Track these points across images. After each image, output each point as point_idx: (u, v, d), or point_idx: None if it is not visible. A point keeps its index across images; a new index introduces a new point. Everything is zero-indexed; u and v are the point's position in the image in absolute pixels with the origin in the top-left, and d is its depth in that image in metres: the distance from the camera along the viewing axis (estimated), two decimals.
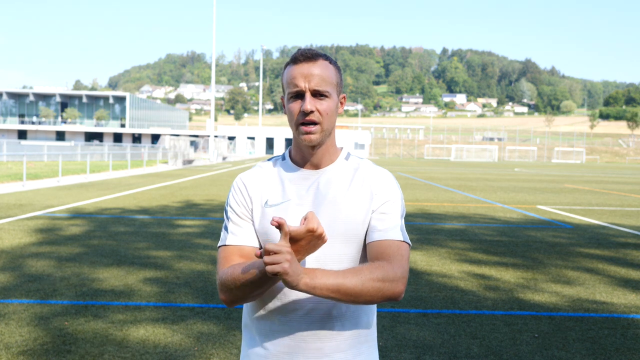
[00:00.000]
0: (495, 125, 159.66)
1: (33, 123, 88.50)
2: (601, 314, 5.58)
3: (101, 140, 79.40)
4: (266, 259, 1.41)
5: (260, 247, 1.72)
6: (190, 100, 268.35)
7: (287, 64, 1.69)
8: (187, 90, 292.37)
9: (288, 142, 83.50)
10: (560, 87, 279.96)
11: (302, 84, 1.63)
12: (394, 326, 5.05)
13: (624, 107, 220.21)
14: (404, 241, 1.64)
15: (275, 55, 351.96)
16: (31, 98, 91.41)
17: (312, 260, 1.62)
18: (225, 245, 1.70)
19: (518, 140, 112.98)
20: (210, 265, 7.32)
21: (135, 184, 20.63)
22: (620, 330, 5.11)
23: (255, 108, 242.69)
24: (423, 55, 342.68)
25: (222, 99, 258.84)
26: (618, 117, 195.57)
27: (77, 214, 11.97)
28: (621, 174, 41.96)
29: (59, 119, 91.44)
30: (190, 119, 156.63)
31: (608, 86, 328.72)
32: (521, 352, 4.50)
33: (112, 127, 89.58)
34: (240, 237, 1.69)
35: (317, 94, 1.64)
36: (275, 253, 1.41)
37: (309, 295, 1.63)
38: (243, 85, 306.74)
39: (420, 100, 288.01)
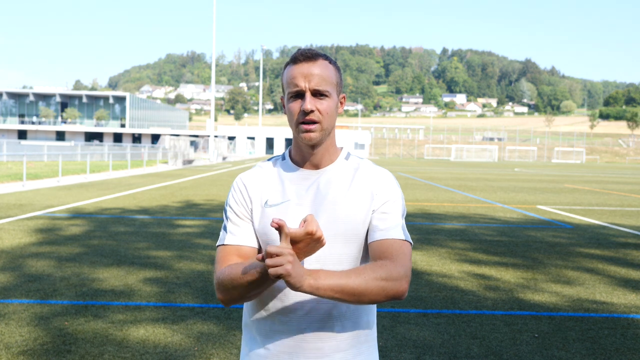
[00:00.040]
0: (495, 125, 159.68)
1: (33, 123, 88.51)
2: (601, 314, 5.58)
3: (101, 140, 79.40)
4: (268, 261, 1.40)
5: (259, 247, 1.72)
6: (190, 100, 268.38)
7: (287, 64, 1.69)
8: (187, 90, 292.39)
9: (288, 142, 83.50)
10: (560, 87, 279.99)
11: (302, 84, 1.63)
12: (394, 326, 5.05)
13: (624, 107, 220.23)
14: (405, 240, 1.64)
15: (275, 55, 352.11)
16: (31, 98, 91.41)
17: (313, 261, 1.62)
18: (223, 244, 1.70)
19: (518, 140, 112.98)
20: (210, 266, 7.33)
21: (135, 184, 20.63)
22: (620, 330, 5.11)
23: (255, 108, 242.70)
24: (423, 55, 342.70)
25: (222, 99, 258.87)
26: (618, 117, 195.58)
27: (77, 214, 11.98)
28: (621, 174, 41.96)
29: (59, 119, 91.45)
30: (190, 119, 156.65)
31: (608, 86, 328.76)
32: (521, 352, 4.50)
33: (112, 127, 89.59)
34: (239, 236, 1.69)
35: (317, 94, 1.64)
36: (277, 255, 1.40)
37: (309, 295, 1.63)
38: (243, 85, 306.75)
39: (420, 100, 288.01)
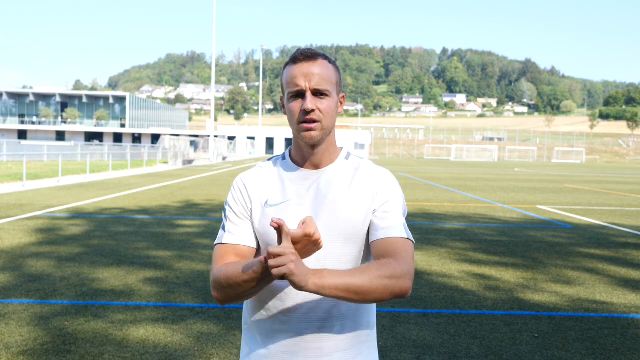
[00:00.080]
0: (495, 125, 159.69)
1: (33, 123, 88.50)
2: (601, 314, 5.58)
3: (101, 140, 79.41)
4: (271, 262, 1.40)
5: (258, 247, 1.72)
6: (190, 100, 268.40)
7: (287, 64, 1.69)
8: (187, 90, 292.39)
9: (288, 142, 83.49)
10: (560, 87, 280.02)
11: (303, 83, 1.63)
12: (394, 326, 5.05)
13: (624, 107, 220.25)
14: (408, 238, 1.64)
15: (275, 55, 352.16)
16: (31, 98, 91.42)
17: (313, 261, 1.62)
18: (221, 243, 1.70)
19: (518, 140, 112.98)
20: (210, 266, 7.32)
21: (135, 184, 20.63)
22: (620, 330, 5.11)
23: (255, 108, 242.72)
24: (423, 55, 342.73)
25: (222, 99, 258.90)
26: (618, 117, 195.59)
27: (77, 214, 11.98)
28: (621, 174, 41.96)
29: (59, 119, 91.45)
30: (190, 119, 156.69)
31: (608, 86, 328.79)
32: (521, 352, 4.50)
33: (112, 127, 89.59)
34: (237, 236, 1.69)
35: (318, 93, 1.64)
36: (279, 255, 1.40)
37: (309, 295, 1.63)
38: (243, 85, 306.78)
39: (420, 100, 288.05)
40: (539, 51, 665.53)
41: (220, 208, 13.74)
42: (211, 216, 12.27)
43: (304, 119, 1.63)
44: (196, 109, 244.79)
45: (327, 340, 1.65)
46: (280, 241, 1.45)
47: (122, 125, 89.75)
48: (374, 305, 1.77)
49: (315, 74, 1.63)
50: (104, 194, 16.68)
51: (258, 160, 55.52)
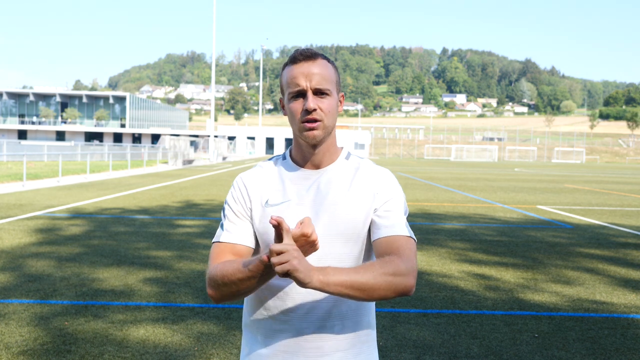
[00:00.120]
0: (495, 125, 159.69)
1: (33, 123, 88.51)
2: (601, 314, 5.58)
3: (101, 140, 79.41)
4: (274, 259, 1.39)
5: (256, 247, 1.72)
6: (190, 100, 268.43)
7: (286, 65, 1.69)
8: (187, 90, 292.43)
9: (288, 142, 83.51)
10: (560, 87, 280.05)
11: (304, 83, 1.63)
12: (394, 326, 5.05)
13: (624, 107, 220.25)
14: (410, 237, 1.64)
15: (275, 55, 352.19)
16: (31, 98, 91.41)
17: (314, 260, 1.62)
18: (219, 241, 1.70)
19: (518, 140, 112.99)
20: None
21: (135, 184, 20.64)
22: (620, 330, 5.11)
23: (255, 108, 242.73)
24: (423, 55, 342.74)
25: (222, 99, 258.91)
26: (618, 117, 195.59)
27: (77, 214, 11.98)
28: (621, 174, 41.96)
29: (59, 119, 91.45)
30: (190, 119, 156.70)
31: (608, 86, 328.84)
32: (521, 352, 4.50)
33: (112, 127, 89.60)
34: (235, 234, 1.69)
35: (319, 93, 1.64)
36: (281, 252, 1.40)
37: (309, 295, 1.63)
38: (243, 85, 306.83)
39: (420, 100, 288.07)
40: (539, 51, 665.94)
41: (220, 208, 13.74)
42: (211, 216, 12.27)
43: (306, 119, 1.63)
44: (196, 109, 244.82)
45: (327, 339, 1.65)
46: (278, 239, 1.45)
47: (122, 125, 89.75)
48: (373, 305, 1.77)
49: (315, 73, 1.63)
50: (104, 194, 16.68)
51: (258, 160, 55.53)
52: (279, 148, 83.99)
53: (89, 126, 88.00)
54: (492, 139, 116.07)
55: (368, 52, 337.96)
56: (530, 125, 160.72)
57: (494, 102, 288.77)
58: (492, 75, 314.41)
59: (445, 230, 10.89)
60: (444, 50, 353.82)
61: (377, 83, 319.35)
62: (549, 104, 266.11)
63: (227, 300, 1.63)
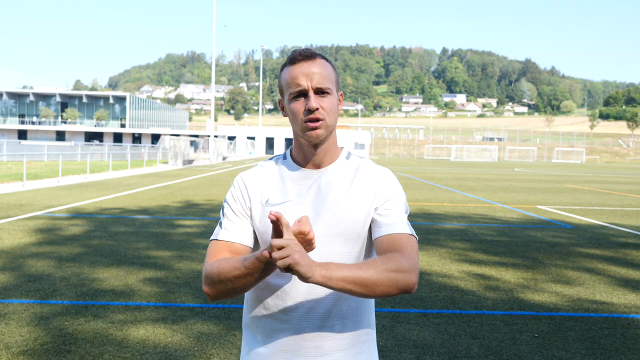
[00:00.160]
0: (495, 125, 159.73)
1: (33, 123, 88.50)
2: (601, 314, 5.58)
3: (101, 140, 79.41)
4: (275, 254, 1.39)
5: (254, 246, 1.72)
6: (190, 100, 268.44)
7: (284, 66, 1.69)
8: (187, 90, 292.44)
9: (288, 142, 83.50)
10: (560, 87, 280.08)
11: (305, 83, 1.63)
12: (394, 326, 5.05)
13: (624, 107, 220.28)
14: (411, 234, 1.64)
15: (275, 55, 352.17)
16: (31, 98, 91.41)
17: (315, 259, 1.62)
18: (216, 239, 1.70)
19: (518, 140, 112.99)
20: None
21: (135, 184, 20.64)
22: (620, 330, 5.11)
23: (255, 108, 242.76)
24: (423, 55, 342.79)
25: (222, 99, 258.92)
26: (618, 117, 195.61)
27: (77, 214, 11.98)
28: (621, 174, 41.96)
29: (59, 119, 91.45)
30: (190, 119, 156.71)
31: (608, 86, 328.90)
32: (521, 352, 4.50)
33: (112, 127, 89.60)
34: (233, 233, 1.69)
35: (320, 92, 1.65)
36: (282, 247, 1.40)
37: (309, 294, 1.63)
38: (243, 85, 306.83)
39: (420, 100, 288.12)
40: (539, 51, 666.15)
41: (220, 208, 13.73)
42: (211, 216, 12.27)
43: (308, 118, 1.63)
44: (196, 109, 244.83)
45: (327, 339, 1.65)
46: (276, 234, 1.45)
47: (122, 125, 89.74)
48: (373, 305, 1.77)
49: (315, 72, 1.64)
50: (104, 194, 16.68)
51: (258, 160, 55.53)
52: (279, 148, 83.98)
53: (89, 126, 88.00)
54: (492, 139, 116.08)
55: (368, 52, 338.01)
56: (530, 125, 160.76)
57: (494, 102, 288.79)
58: (492, 75, 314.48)
59: (445, 230, 10.89)
60: (444, 50, 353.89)
61: (377, 83, 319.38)
62: (549, 104, 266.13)
63: (223, 297, 1.63)
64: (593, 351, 4.55)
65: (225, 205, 1.75)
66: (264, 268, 1.50)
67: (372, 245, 1.71)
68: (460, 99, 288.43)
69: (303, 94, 1.65)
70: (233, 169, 35.74)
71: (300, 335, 1.65)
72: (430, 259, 8.04)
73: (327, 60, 1.70)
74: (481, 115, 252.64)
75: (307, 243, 1.49)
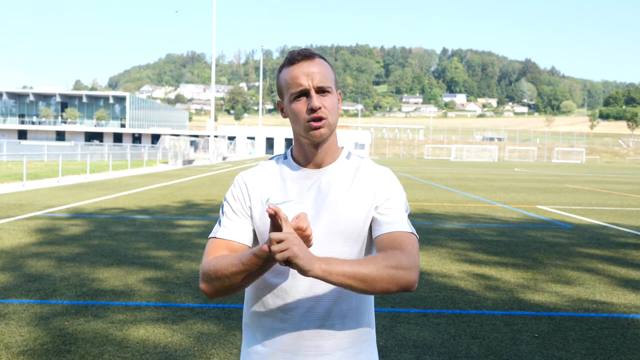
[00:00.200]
0: (495, 125, 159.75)
1: (33, 123, 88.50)
2: (601, 314, 5.58)
3: (101, 140, 79.41)
4: (274, 247, 1.39)
5: (253, 245, 1.72)
6: (190, 100, 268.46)
7: (283, 67, 1.69)
8: (187, 90, 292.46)
9: (288, 142, 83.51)
10: (560, 87, 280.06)
11: (306, 82, 1.63)
12: (394, 326, 5.05)
13: (624, 107, 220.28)
14: (412, 233, 1.64)
15: (275, 55, 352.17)
16: (31, 98, 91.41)
17: None
18: (215, 237, 1.70)
19: (518, 140, 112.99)
20: None
21: (135, 184, 20.63)
22: (620, 330, 5.11)
23: (255, 108, 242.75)
24: (423, 55, 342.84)
25: (222, 99, 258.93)
26: (618, 117, 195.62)
27: (77, 214, 11.97)
28: (621, 174, 41.96)
29: (59, 119, 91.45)
30: (190, 119, 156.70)
31: (608, 86, 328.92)
32: (521, 352, 4.50)
33: (112, 127, 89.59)
34: (232, 231, 1.69)
35: (321, 91, 1.65)
36: (281, 240, 1.40)
37: (309, 294, 1.63)
38: (243, 85, 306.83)
39: (420, 100, 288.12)
40: (539, 51, 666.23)
41: (220, 208, 13.74)
42: (211, 216, 12.27)
43: (311, 117, 1.63)
44: (196, 109, 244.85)
45: (327, 338, 1.65)
46: (274, 229, 1.45)
47: (122, 125, 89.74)
48: (372, 304, 1.77)
49: (316, 72, 1.64)
50: (104, 194, 16.67)
51: (258, 160, 55.53)
52: (279, 148, 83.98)
53: (89, 126, 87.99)
54: (492, 139, 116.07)
55: (368, 52, 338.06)
56: (530, 125, 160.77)
57: (494, 102, 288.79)
58: (492, 75, 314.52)
59: (445, 230, 10.89)
60: (444, 50, 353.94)
61: (377, 83, 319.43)
62: (549, 104, 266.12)
63: (220, 295, 1.62)
64: (593, 351, 4.55)
65: (225, 203, 1.75)
66: (262, 264, 1.49)
67: (373, 245, 1.71)
68: (460, 99, 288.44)
69: (304, 93, 1.64)
70: (233, 169, 35.74)
71: (300, 335, 1.65)
72: (430, 259, 8.04)
73: (325, 59, 1.70)
74: (481, 115, 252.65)
75: (305, 239, 1.49)
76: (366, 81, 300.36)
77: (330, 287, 1.64)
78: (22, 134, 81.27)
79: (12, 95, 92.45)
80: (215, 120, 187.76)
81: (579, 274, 7.36)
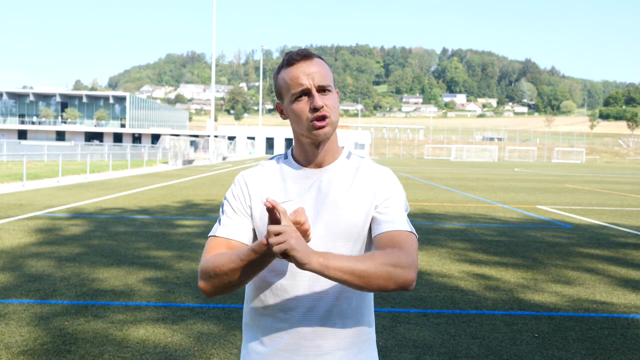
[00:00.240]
0: (495, 125, 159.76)
1: (33, 123, 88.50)
2: (601, 314, 5.58)
3: (101, 140, 79.40)
4: (272, 239, 1.39)
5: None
6: (190, 100, 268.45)
7: (281, 69, 1.68)
8: (187, 90, 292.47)
9: (288, 142, 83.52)
10: (560, 87, 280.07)
11: (307, 82, 1.63)
12: (394, 326, 5.05)
13: (624, 107, 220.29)
14: (411, 232, 1.64)
15: (275, 55, 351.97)
16: (31, 98, 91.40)
17: None
18: (214, 235, 1.70)
19: (518, 140, 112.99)
20: None
21: (135, 184, 20.63)
22: (620, 330, 5.11)
23: (255, 108, 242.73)
24: (423, 55, 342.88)
25: (222, 99, 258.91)
26: (618, 117, 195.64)
27: (77, 214, 11.97)
28: (621, 174, 41.96)
29: (59, 119, 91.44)
30: (190, 119, 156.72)
31: (608, 86, 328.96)
32: (521, 352, 4.50)
33: (112, 127, 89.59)
34: (231, 230, 1.69)
35: (322, 90, 1.65)
36: (279, 233, 1.40)
37: (309, 293, 1.64)
38: (243, 85, 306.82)
39: (420, 100, 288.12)
40: (539, 51, 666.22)
41: (220, 207, 13.74)
42: (211, 216, 12.27)
43: (315, 117, 1.63)
44: (196, 109, 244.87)
45: (327, 338, 1.65)
46: (272, 222, 1.45)
47: (122, 125, 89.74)
48: (372, 304, 1.77)
49: (315, 71, 1.64)
50: (104, 194, 16.67)
51: (258, 160, 55.53)
52: (279, 148, 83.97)
53: (89, 126, 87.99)
54: (492, 139, 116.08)
55: (368, 52, 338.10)
56: (530, 125, 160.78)
57: (494, 102, 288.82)
58: (492, 75, 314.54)
59: (445, 230, 10.89)
60: (444, 50, 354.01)
61: (377, 83, 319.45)
62: (549, 104, 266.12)
63: (219, 293, 1.62)
64: (593, 351, 4.55)
65: (225, 202, 1.75)
66: (261, 260, 1.49)
67: (373, 244, 1.71)
68: (460, 99, 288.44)
69: (305, 93, 1.64)
70: (233, 169, 35.74)
71: (300, 334, 1.65)
72: (430, 259, 8.04)
73: (322, 59, 1.70)
74: (481, 115, 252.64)
75: (303, 233, 1.49)
76: (366, 81, 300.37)
77: (331, 286, 1.64)
78: (22, 134, 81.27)
79: (12, 95, 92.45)
80: (215, 120, 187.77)
81: (579, 274, 7.36)
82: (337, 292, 1.64)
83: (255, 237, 1.73)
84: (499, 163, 71.75)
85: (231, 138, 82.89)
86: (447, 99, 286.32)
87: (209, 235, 1.73)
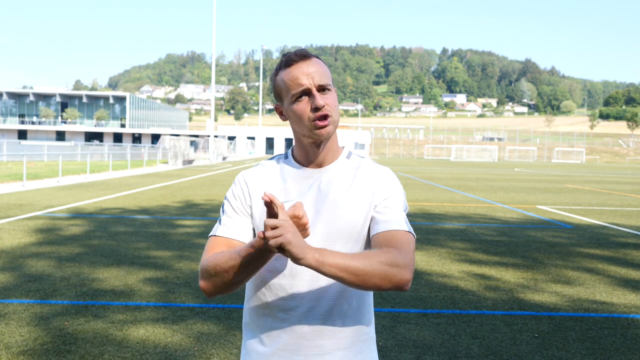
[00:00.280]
0: (495, 125, 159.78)
1: (33, 123, 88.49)
2: (601, 314, 5.58)
3: (101, 140, 79.39)
4: (268, 233, 1.39)
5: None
6: (190, 100, 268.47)
7: (280, 70, 1.68)
8: (187, 90, 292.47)
9: (288, 142, 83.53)
10: (560, 87, 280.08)
11: (307, 82, 1.63)
12: (394, 326, 5.05)
13: (624, 107, 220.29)
14: (409, 232, 1.64)
15: (275, 55, 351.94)
16: (31, 98, 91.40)
17: None
18: (215, 235, 1.70)
19: (518, 140, 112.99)
20: None
21: (135, 184, 20.63)
22: (620, 330, 5.11)
23: (255, 108, 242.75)
24: (423, 55, 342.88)
25: (222, 99, 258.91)
26: (618, 117, 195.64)
27: (77, 214, 11.97)
28: (621, 174, 41.96)
29: (59, 119, 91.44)
30: (190, 119, 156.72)
31: (608, 86, 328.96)
32: (521, 352, 4.50)
33: (112, 127, 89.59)
34: (231, 229, 1.69)
35: (322, 89, 1.65)
36: (276, 227, 1.40)
37: (309, 293, 1.64)
38: (243, 85, 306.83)
39: (420, 100, 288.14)
40: (539, 51, 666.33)
41: (220, 207, 13.74)
42: (211, 216, 12.27)
43: (317, 116, 1.63)
44: (196, 109, 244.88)
45: (328, 338, 1.65)
46: (270, 217, 1.45)
47: (122, 125, 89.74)
48: (372, 304, 1.77)
49: (315, 71, 1.64)
50: (104, 194, 16.67)
51: (258, 160, 55.53)
52: (279, 148, 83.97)
53: (89, 126, 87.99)
54: (492, 139, 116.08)
55: (368, 52, 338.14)
56: (530, 125, 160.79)
57: (494, 102, 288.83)
58: (492, 75, 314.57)
59: (445, 230, 10.89)
60: (444, 50, 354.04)
61: (377, 83, 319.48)
62: (549, 104, 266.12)
63: (219, 292, 1.62)
64: (593, 351, 4.55)
65: (225, 202, 1.75)
66: (259, 255, 1.49)
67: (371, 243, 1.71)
68: (460, 99, 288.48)
69: (306, 93, 1.64)
70: (233, 169, 35.74)
71: (300, 334, 1.65)
72: (430, 259, 8.04)
73: (319, 58, 1.70)
74: (481, 115, 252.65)
75: (301, 228, 1.50)
76: (366, 81, 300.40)
77: (331, 286, 1.64)
78: (22, 134, 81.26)
79: (12, 95, 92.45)
80: (215, 120, 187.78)
81: (579, 274, 7.36)
82: (338, 292, 1.64)
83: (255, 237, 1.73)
84: (499, 163, 71.74)
85: (231, 138, 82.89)
86: (447, 99, 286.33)
87: (209, 235, 1.73)
